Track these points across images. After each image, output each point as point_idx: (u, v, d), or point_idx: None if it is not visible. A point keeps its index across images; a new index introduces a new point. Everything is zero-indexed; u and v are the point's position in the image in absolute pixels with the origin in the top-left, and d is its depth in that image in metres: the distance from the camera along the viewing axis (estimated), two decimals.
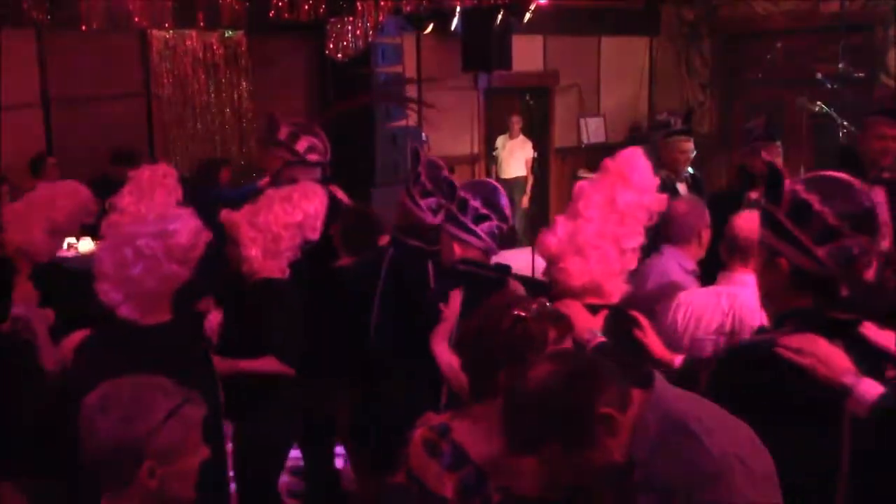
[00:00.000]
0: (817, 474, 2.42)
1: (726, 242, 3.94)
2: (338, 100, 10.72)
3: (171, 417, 2.10)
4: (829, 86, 10.64)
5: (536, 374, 2.04)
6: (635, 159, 3.53)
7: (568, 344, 2.33)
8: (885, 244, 2.64)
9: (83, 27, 8.83)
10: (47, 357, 3.87)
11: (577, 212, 3.45)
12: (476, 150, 12.33)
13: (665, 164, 6.37)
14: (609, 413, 2.02)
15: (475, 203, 3.77)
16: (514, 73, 11.44)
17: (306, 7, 9.30)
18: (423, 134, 11.33)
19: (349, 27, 10.01)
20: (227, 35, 10.61)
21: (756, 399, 2.41)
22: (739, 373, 2.60)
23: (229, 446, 4.21)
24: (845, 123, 10.06)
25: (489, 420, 2.30)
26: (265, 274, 4.23)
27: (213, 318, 4.25)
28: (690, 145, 6.56)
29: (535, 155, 12.10)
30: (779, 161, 5.79)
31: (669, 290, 4.11)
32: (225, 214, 4.28)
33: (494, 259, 3.95)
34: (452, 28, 10.96)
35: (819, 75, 10.82)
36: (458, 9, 10.57)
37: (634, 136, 13.28)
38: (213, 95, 10.66)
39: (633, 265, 3.48)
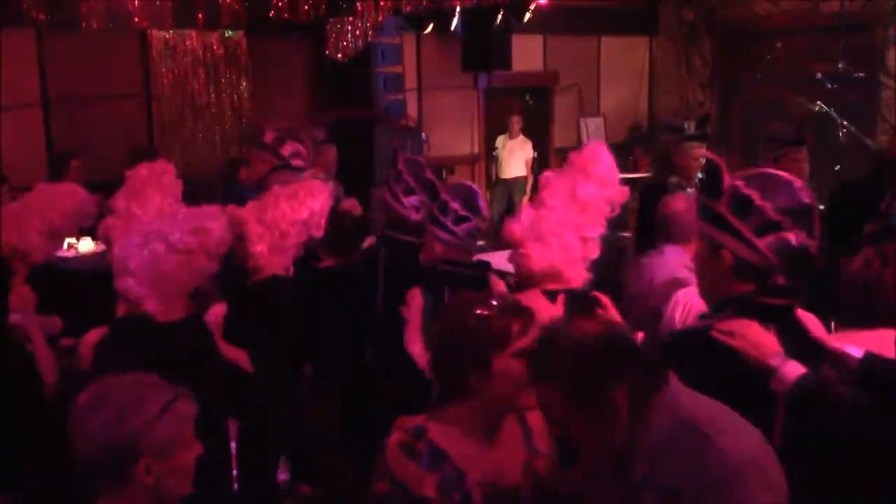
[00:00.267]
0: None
1: (655, 222, 4.03)
2: (338, 100, 10.74)
3: (165, 413, 2.10)
4: (829, 85, 10.65)
5: (587, 326, 2.10)
6: (599, 154, 3.71)
7: (534, 335, 2.31)
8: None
9: (83, 27, 8.84)
10: (46, 368, 3.84)
11: (541, 201, 3.63)
12: (476, 150, 12.34)
13: (677, 170, 6.19)
14: (624, 388, 2.04)
15: (455, 205, 3.94)
16: (514, 73, 11.45)
17: (306, 7, 9.30)
18: (423, 134, 11.35)
19: (349, 27, 10.02)
20: (226, 35, 10.61)
21: (696, 382, 2.44)
22: (680, 357, 2.68)
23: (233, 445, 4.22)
24: (845, 123, 10.07)
25: (463, 419, 2.35)
26: (270, 270, 4.26)
27: (218, 311, 4.26)
28: (703, 151, 6.21)
29: (535, 155, 12.10)
30: (804, 167, 5.73)
31: (674, 288, 4.12)
32: (231, 210, 4.29)
33: (499, 256, 4.04)
34: (452, 28, 10.96)
35: (819, 75, 10.83)
36: (457, 9, 10.58)
37: (634, 136, 13.30)
38: (212, 95, 10.66)
39: (594, 254, 3.62)
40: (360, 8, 9.73)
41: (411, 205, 4.42)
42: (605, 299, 3.26)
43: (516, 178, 11.99)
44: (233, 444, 4.16)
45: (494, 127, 12.44)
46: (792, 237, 2.59)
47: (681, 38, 13.29)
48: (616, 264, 6.46)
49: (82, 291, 5.14)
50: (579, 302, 3.33)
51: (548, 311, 3.17)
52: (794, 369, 2.48)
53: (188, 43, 10.40)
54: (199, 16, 9.61)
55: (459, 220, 3.94)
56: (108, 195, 4.63)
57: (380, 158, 10.43)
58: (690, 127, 6.59)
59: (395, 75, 11.06)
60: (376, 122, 10.61)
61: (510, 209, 11.20)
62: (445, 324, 2.39)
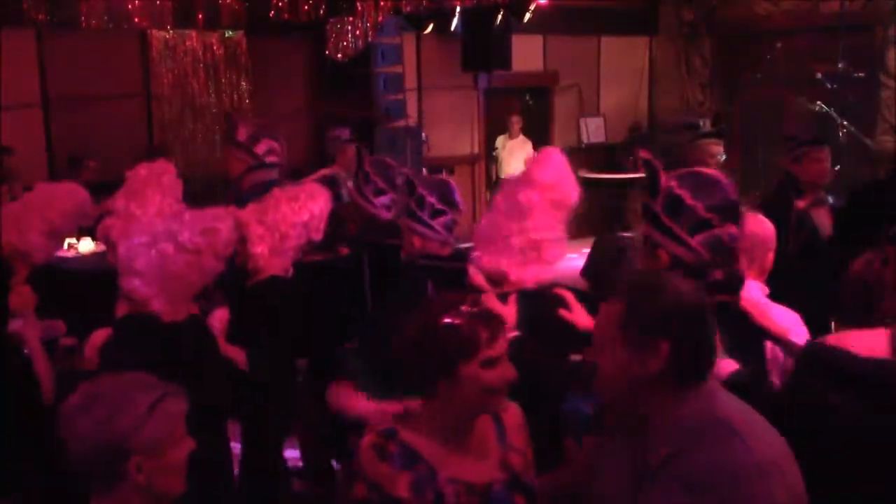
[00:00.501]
0: None
1: None
2: (338, 100, 10.75)
3: (154, 412, 2.10)
4: (828, 85, 10.65)
5: (681, 284, 2.14)
6: (545, 159, 3.76)
7: (503, 343, 2.34)
8: None
9: (83, 27, 8.84)
10: (42, 375, 3.83)
11: (493, 205, 3.75)
12: (476, 150, 12.34)
13: None
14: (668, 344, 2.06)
15: (431, 199, 4.00)
16: (513, 73, 11.45)
17: (306, 7, 9.32)
18: (424, 134, 11.35)
19: (349, 27, 10.03)
20: (226, 35, 10.62)
21: None
22: None
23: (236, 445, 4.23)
24: (845, 123, 10.07)
25: (433, 421, 2.37)
26: (270, 271, 4.27)
27: (222, 315, 4.26)
28: (720, 149, 6.28)
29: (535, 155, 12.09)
30: (827, 166, 5.63)
31: None
32: (232, 212, 4.30)
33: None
34: (452, 28, 10.96)
35: (819, 75, 10.83)
36: (457, 9, 10.58)
37: (634, 136, 13.30)
38: (212, 95, 10.67)
39: (556, 256, 3.65)
40: (360, 8, 9.74)
41: (382, 204, 4.56)
42: (570, 297, 3.29)
43: None
44: (234, 444, 4.18)
45: (494, 127, 12.44)
46: (723, 233, 2.75)
47: (681, 38, 13.29)
48: (616, 264, 6.44)
49: (82, 291, 5.14)
50: (533, 301, 3.39)
51: (500, 312, 3.15)
52: (726, 366, 2.62)
53: (188, 43, 10.41)
54: (199, 16, 9.62)
55: (436, 213, 4.00)
56: (108, 195, 4.63)
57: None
58: (706, 124, 6.47)
59: (395, 75, 11.06)
60: (373, 121, 10.62)
61: None
62: (413, 329, 2.38)
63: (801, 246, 5.30)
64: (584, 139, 13.13)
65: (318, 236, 4.44)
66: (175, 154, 9.93)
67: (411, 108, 11.25)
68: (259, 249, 4.25)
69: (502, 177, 11.96)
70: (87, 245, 7.18)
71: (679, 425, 2.06)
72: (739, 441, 1.99)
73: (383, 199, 4.59)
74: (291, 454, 4.97)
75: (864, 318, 2.71)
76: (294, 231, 4.30)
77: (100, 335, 3.66)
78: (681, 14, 13.22)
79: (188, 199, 4.41)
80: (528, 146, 12.00)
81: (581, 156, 12.97)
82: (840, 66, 10.53)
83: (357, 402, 3.48)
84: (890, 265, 2.77)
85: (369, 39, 10.22)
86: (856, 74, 10.87)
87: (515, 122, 12.08)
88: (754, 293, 3.32)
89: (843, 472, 2.40)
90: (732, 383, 2.53)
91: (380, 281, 4.47)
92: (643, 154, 3.07)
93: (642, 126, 13.56)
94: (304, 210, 4.34)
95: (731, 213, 2.77)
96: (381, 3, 9.60)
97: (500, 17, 10.52)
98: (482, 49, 10.73)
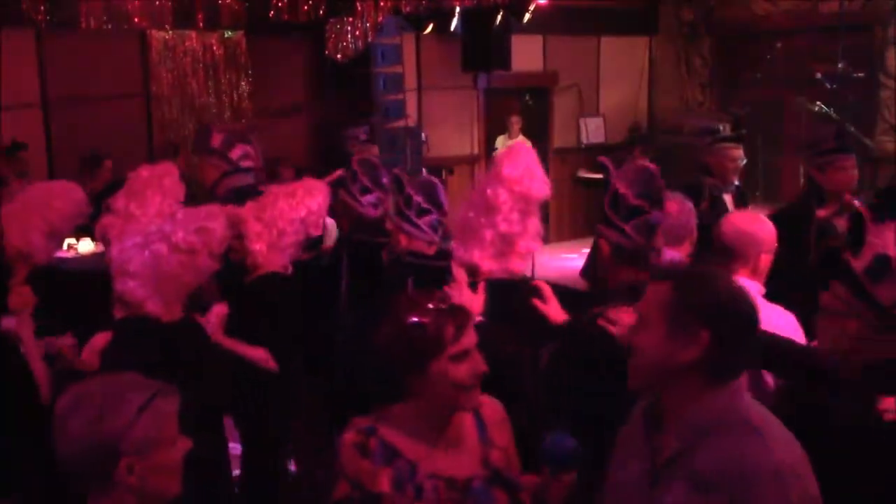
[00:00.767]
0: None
1: (714, 244, 3.98)
2: (338, 101, 10.74)
3: (144, 412, 2.09)
4: (828, 85, 10.65)
5: (734, 282, 2.17)
6: (512, 153, 3.91)
7: (470, 336, 2.38)
8: None
9: (83, 27, 8.84)
10: (38, 375, 3.82)
11: (469, 200, 3.90)
12: (476, 150, 12.34)
13: (713, 173, 5.97)
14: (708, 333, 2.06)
15: (418, 198, 4.14)
16: (513, 74, 11.45)
17: (306, 7, 9.32)
18: (423, 134, 11.34)
19: (348, 27, 10.03)
20: (226, 35, 10.61)
21: (588, 365, 2.89)
22: (575, 345, 3.06)
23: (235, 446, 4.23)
24: (845, 123, 10.06)
25: (410, 418, 2.42)
26: (269, 268, 4.28)
27: (219, 311, 4.26)
28: (740, 153, 6.10)
29: None
30: (853, 174, 5.39)
31: None
32: (230, 210, 4.30)
33: None
34: (452, 28, 10.96)
35: (818, 75, 10.83)
36: (457, 9, 10.58)
37: (634, 136, 13.29)
38: (212, 96, 10.67)
39: (531, 247, 3.80)
40: (359, 8, 9.74)
41: (368, 202, 4.67)
42: (546, 289, 3.37)
43: None
44: (234, 445, 4.18)
45: (494, 127, 12.43)
46: (651, 218, 3.01)
47: (680, 38, 13.29)
48: None
49: (82, 292, 5.13)
50: (505, 290, 3.55)
51: (470, 300, 3.34)
52: None
53: (188, 43, 10.40)
54: (199, 16, 9.62)
55: (422, 212, 4.13)
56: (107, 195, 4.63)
57: (379, 159, 10.41)
58: (726, 128, 6.35)
59: (395, 75, 11.06)
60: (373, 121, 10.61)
61: None
62: (383, 330, 2.43)
63: (823, 256, 5.24)
64: (584, 139, 13.13)
65: (316, 232, 4.48)
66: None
67: (411, 108, 11.25)
68: (257, 246, 4.26)
69: None
70: (86, 245, 7.17)
71: (696, 420, 2.07)
72: (759, 442, 2.00)
73: (369, 198, 4.69)
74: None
75: None
76: (291, 227, 4.32)
77: (99, 339, 3.65)
78: (680, 14, 13.22)
79: (188, 201, 4.40)
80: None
81: (581, 156, 12.98)
82: (839, 66, 10.53)
83: None
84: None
85: (369, 40, 10.22)
86: (855, 74, 10.87)
87: (515, 122, 12.07)
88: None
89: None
90: None
91: (364, 278, 4.55)
92: (601, 159, 3.23)
93: (642, 126, 13.56)
94: (301, 206, 4.36)
95: (658, 199, 3.03)
96: (381, 4, 9.60)
97: (499, 17, 10.51)
98: (482, 49, 10.73)
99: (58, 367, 3.83)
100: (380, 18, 10.03)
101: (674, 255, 4.38)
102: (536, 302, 3.32)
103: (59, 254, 5.83)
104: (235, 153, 5.29)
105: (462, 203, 3.95)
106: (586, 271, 7.54)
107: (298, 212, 4.34)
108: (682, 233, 4.40)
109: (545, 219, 13.01)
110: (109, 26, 9.02)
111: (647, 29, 13.55)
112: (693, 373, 2.07)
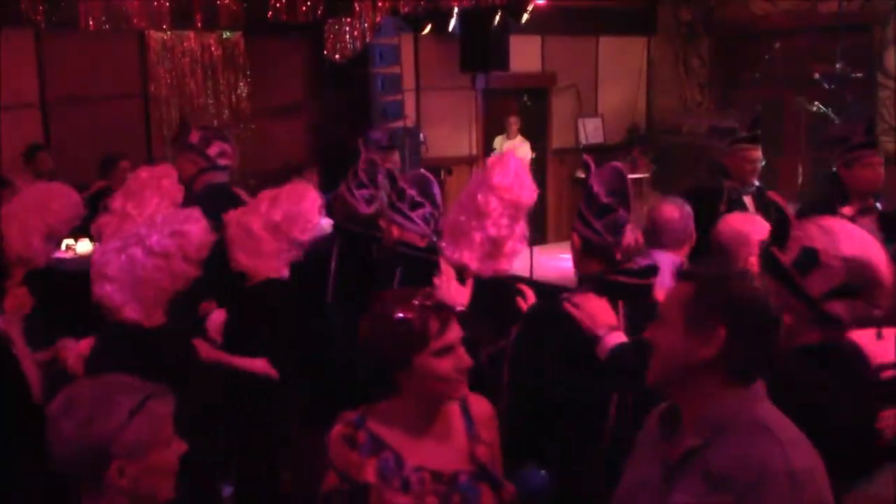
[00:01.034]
0: (595, 413, 3.01)
1: (712, 245, 4.12)
2: (336, 101, 10.73)
3: (136, 414, 2.09)
4: (827, 86, 10.65)
5: (755, 281, 2.17)
6: (500, 163, 4.06)
7: (455, 331, 2.42)
8: None
9: (81, 28, 8.83)
10: (31, 377, 3.80)
11: (458, 202, 4.10)
12: (474, 150, 12.34)
13: (732, 175, 5.85)
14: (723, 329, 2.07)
15: (412, 192, 4.31)
16: (511, 74, 11.44)
17: (304, 8, 9.31)
18: (421, 134, 11.34)
19: (347, 28, 10.02)
20: (224, 36, 10.61)
21: (551, 348, 3.03)
22: (538, 326, 3.19)
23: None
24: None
25: (397, 412, 2.46)
26: (264, 274, 4.23)
27: (217, 318, 4.25)
28: (759, 154, 5.95)
29: (533, 156, 12.09)
30: (880, 172, 5.35)
31: None
32: (228, 215, 4.30)
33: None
34: (450, 29, 10.95)
35: (817, 75, 10.84)
36: (455, 9, 10.57)
37: (633, 137, 13.30)
38: (210, 96, 10.67)
39: (513, 251, 4.00)
40: (357, 9, 9.73)
41: (362, 197, 4.79)
42: (529, 292, 3.57)
43: None
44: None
45: (492, 127, 12.43)
46: (618, 216, 3.13)
47: (679, 39, 13.29)
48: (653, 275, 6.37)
49: (80, 292, 5.13)
50: (492, 288, 3.78)
51: (457, 292, 3.60)
52: (614, 339, 2.92)
53: (186, 44, 10.41)
54: (197, 17, 9.61)
55: (415, 205, 4.29)
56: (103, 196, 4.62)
57: None
58: (743, 129, 6.22)
59: (393, 76, 11.06)
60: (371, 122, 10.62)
61: None
62: (368, 326, 2.46)
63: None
64: (582, 140, 13.12)
65: (302, 236, 4.36)
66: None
67: (409, 109, 11.24)
68: (237, 254, 4.23)
69: None
70: (85, 246, 7.16)
71: (713, 419, 2.07)
72: (776, 444, 1.99)
73: (363, 193, 4.77)
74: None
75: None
76: (267, 233, 4.23)
77: (83, 345, 3.63)
78: (679, 14, 13.22)
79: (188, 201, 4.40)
80: (526, 147, 11.99)
81: (579, 156, 12.96)
82: (838, 66, 10.53)
83: None
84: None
85: (367, 40, 10.21)
86: (854, 74, 10.88)
87: (513, 122, 12.07)
88: None
89: None
90: (612, 355, 2.89)
91: (354, 272, 4.65)
92: (585, 157, 3.36)
93: (640, 126, 13.56)
94: (277, 210, 4.26)
95: (625, 199, 3.16)
96: (379, 4, 9.59)
97: (497, 17, 10.50)
98: (480, 50, 10.72)
99: (57, 368, 3.83)
100: (378, 19, 10.03)
101: (674, 258, 4.40)
102: (521, 301, 3.50)
103: (58, 254, 5.82)
104: (212, 150, 5.40)
105: (453, 205, 4.14)
106: None
107: (273, 216, 4.25)
108: (682, 237, 4.44)
109: (543, 219, 13.01)
110: (108, 27, 9.01)
111: (646, 29, 13.55)
112: (710, 371, 2.07)
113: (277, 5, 9.24)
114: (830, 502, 2.01)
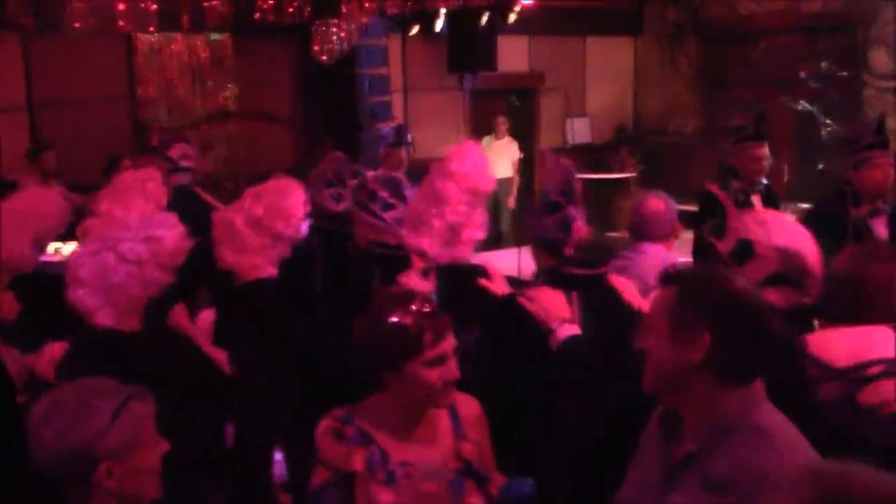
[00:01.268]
0: (558, 408, 3.06)
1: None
2: (324, 102, 10.73)
3: (118, 416, 2.09)
4: (812, 85, 10.70)
5: (739, 281, 2.17)
6: (459, 152, 4.13)
7: (449, 341, 2.43)
8: None
9: (68, 30, 8.81)
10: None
11: (419, 190, 4.18)
12: None
13: (739, 174, 5.80)
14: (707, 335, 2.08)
15: (383, 194, 4.28)
16: (499, 74, 11.47)
17: (291, 10, 9.29)
18: (409, 135, 11.33)
19: (334, 29, 10.01)
20: (212, 38, 10.60)
21: (510, 344, 3.15)
22: (496, 322, 3.27)
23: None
24: (829, 122, 10.12)
25: (384, 410, 2.49)
26: (254, 274, 4.20)
27: (206, 317, 4.24)
28: (765, 151, 5.93)
29: (521, 156, 12.10)
30: (889, 173, 5.23)
31: None
32: (215, 214, 4.30)
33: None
34: (437, 29, 10.97)
35: (803, 75, 10.88)
36: (442, 10, 10.58)
37: (620, 136, 13.34)
38: (198, 98, 10.65)
39: (471, 237, 4.03)
40: (344, 10, 9.72)
41: (330, 195, 4.85)
42: (491, 268, 3.62)
43: (502, 179, 11.96)
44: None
45: (480, 128, 12.43)
46: (567, 214, 3.26)
47: (665, 39, 13.33)
48: (600, 265, 6.39)
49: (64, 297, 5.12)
50: (452, 274, 3.81)
51: (420, 286, 3.59)
52: (566, 331, 2.98)
53: (173, 46, 10.40)
54: (185, 19, 9.58)
55: (387, 207, 4.26)
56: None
57: (363, 159, 10.42)
58: (749, 127, 6.14)
59: (381, 77, 11.06)
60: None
61: (496, 210, 11.19)
62: (364, 327, 2.47)
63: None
64: (570, 140, 13.15)
65: (288, 231, 4.28)
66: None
67: (397, 110, 11.26)
68: (222, 252, 4.19)
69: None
70: (71, 249, 7.14)
71: (712, 423, 2.06)
72: (775, 448, 1.99)
73: (332, 192, 4.84)
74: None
75: (850, 315, 2.72)
76: (248, 229, 4.18)
77: (56, 348, 3.59)
78: (665, 14, 13.26)
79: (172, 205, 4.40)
80: (514, 147, 12.01)
81: (567, 156, 12.96)
82: (823, 65, 10.59)
83: None
84: (877, 261, 2.78)
85: (354, 41, 10.21)
86: (839, 74, 10.92)
87: (501, 122, 12.07)
88: None
89: None
90: (564, 347, 2.95)
91: (331, 267, 4.71)
92: (541, 150, 3.42)
93: (628, 126, 13.60)
94: (258, 206, 4.19)
95: (573, 195, 3.31)
96: (366, 5, 9.58)
97: (485, 18, 10.53)
98: (467, 50, 10.75)
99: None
100: (365, 20, 10.02)
101: (661, 250, 4.45)
102: (482, 281, 3.50)
103: (45, 257, 5.80)
104: (174, 152, 5.48)
105: (415, 194, 4.22)
106: None
107: (255, 211, 4.17)
108: (667, 230, 4.50)
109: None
110: (94, 29, 8.98)
111: (633, 29, 13.59)
112: (702, 375, 2.07)
113: (264, 7, 9.22)
114: None
